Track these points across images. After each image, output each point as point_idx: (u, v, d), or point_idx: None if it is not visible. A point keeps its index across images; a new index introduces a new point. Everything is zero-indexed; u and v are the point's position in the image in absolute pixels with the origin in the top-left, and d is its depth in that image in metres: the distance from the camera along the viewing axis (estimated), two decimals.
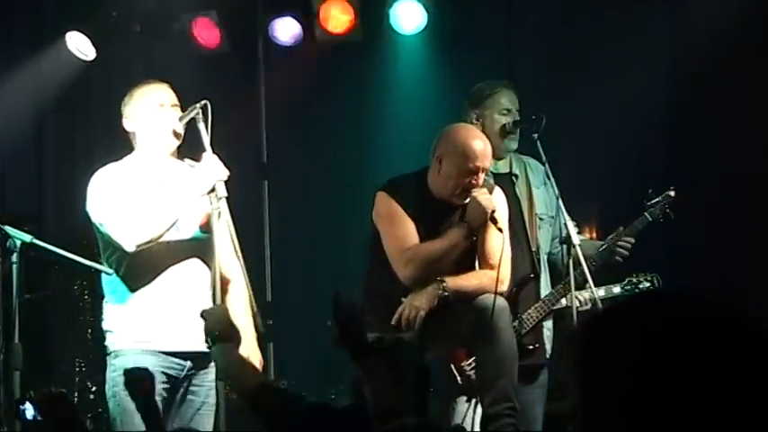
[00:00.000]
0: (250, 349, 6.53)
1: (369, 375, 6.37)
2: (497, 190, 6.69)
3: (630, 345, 1.87)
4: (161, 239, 6.30)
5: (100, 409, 8.23)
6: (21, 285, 6.70)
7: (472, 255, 6.63)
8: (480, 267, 6.60)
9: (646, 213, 7.06)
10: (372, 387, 6.20)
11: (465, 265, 6.60)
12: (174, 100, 6.51)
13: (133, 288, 6.40)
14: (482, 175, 6.48)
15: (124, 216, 6.22)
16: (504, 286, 6.57)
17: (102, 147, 7.69)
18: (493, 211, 6.43)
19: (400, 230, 6.55)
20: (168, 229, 6.22)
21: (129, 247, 6.20)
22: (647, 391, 1.83)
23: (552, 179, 6.82)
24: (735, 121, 8.59)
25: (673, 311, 1.89)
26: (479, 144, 6.51)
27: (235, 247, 6.39)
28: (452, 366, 6.68)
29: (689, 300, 1.91)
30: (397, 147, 7.41)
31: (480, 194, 6.44)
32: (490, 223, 6.51)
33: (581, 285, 6.69)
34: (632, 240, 6.99)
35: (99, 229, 6.35)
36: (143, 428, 6.09)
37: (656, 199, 7.06)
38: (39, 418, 5.95)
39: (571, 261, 6.71)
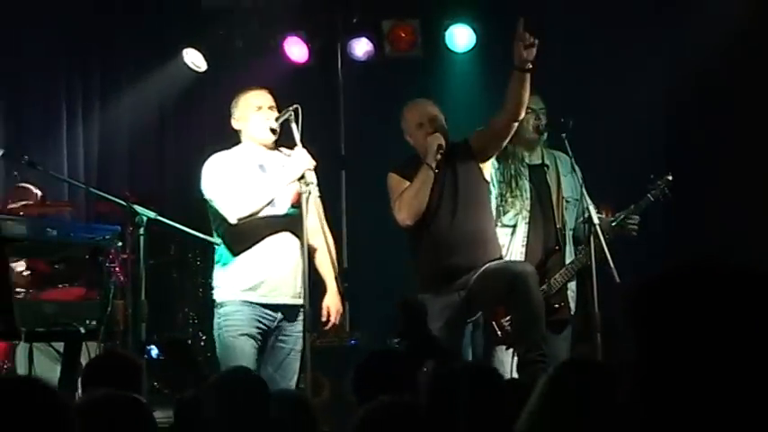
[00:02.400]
0: (333, 302, 6.60)
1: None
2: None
3: (684, 306, 1.79)
4: (259, 214, 6.36)
5: (209, 354, 8.30)
6: (146, 253, 6.77)
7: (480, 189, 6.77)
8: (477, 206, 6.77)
9: (649, 195, 7.11)
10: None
11: (476, 198, 6.76)
12: (272, 102, 6.57)
13: (236, 253, 6.45)
14: (430, 124, 6.70)
15: (229, 195, 6.31)
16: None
17: (211, 139, 7.75)
18: (440, 145, 6.60)
19: (395, 193, 6.71)
20: (264, 207, 6.29)
21: (233, 219, 6.28)
22: (698, 348, 1.76)
23: (577, 169, 6.86)
24: (726, 117, 8.57)
25: (719, 277, 1.82)
26: (413, 106, 6.88)
27: (321, 223, 6.46)
28: (493, 323, 6.73)
29: (730, 268, 1.83)
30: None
31: (431, 137, 6.64)
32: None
33: (599, 255, 6.72)
34: (638, 218, 7.05)
35: (210, 204, 6.43)
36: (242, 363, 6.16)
37: (657, 182, 7.12)
38: (161, 357, 6.00)
39: (591, 236, 6.74)
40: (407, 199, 6.62)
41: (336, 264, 6.62)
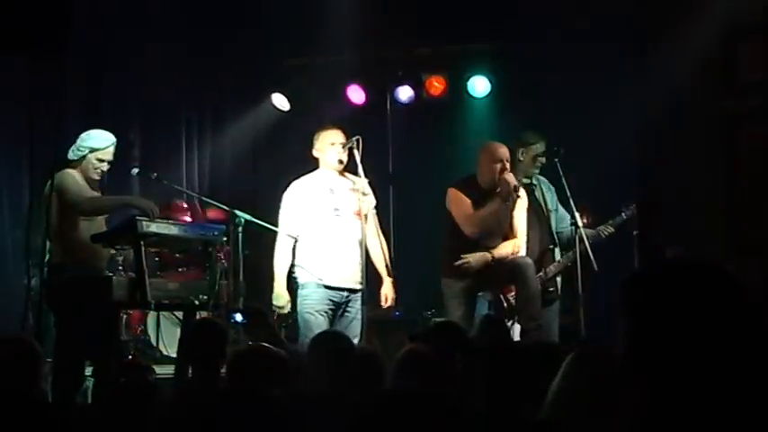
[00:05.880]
0: (389, 290, 6.69)
1: None
2: (522, 190, 6.85)
3: (666, 294, 1.74)
4: (337, 223, 6.45)
5: (290, 321, 8.33)
6: (244, 245, 6.86)
7: (507, 223, 6.78)
8: (508, 236, 6.76)
9: (622, 214, 7.19)
10: None
11: (503, 229, 6.75)
12: (343, 139, 6.68)
13: (312, 248, 6.54)
14: (507, 164, 6.68)
15: (281, 232, 6.63)
16: (523, 251, 6.74)
17: (291, 162, 7.80)
18: (516, 186, 6.61)
19: (464, 207, 6.74)
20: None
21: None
22: (678, 326, 1.71)
23: (552, 187, 6.94)
24: (685, 147, 8.47)
25: (697, 274, 1.76)
26: (496, 146, 6.80)
27: (376, 226, 6.57)
28: (501, 296, 6.79)
29: (707, 267, 1.78)
30: (470, 164, 7.42)
31: (507, 175, 6.59)
32: (518, 206, 6.64)
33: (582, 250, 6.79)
34: (612, 230, 7.08)
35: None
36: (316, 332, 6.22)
37: (629, 206, 7.25)
38: (243, 322, 6.04)
39: (577, 236, 6.80)
40: (480, 219, 6.68)
41: (388, 260, 6.73)
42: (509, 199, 6.65)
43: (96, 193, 6.37)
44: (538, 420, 2.71)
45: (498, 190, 6.65)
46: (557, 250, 7.17)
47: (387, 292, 6.71)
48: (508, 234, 6.77)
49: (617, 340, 1.83)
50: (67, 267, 6.03)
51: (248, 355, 3.59)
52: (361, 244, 6.48)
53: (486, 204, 6.69)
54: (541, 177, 7.23)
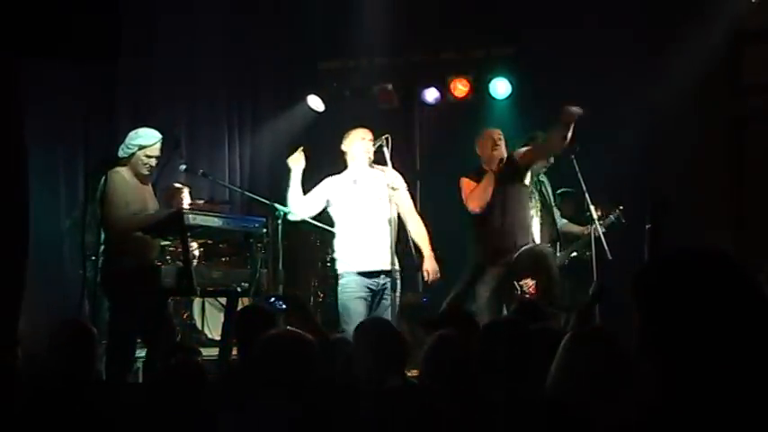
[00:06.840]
0: (431, 264, 6.69)
1: None
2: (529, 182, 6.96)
3: (682, 284, 1.73)
4: (363, 211, 6.50)
5: (325, 307, 8.36)
6: (283, 236, 6.89)
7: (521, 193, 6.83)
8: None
9: (611, 215, 7.35)
10: None
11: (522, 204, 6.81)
12: (370, 136, 6.68)
13: (349, 238, 6.58)
14: (497, 141, 6.83)
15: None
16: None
17: (325, 158, 7.81)
18: (501, 159, 6.75)
19: (468, 189, 6.84)
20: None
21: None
22: (691, 317, 1.70)
23: (583, 182, 6.89)
24: (692, 147, 8.44)
25: (709, 263, 1.76)
26: (488, 131, 6.97)
27: (413, 211, 6.68)
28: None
29: (718, 255, 1.78)
30: None
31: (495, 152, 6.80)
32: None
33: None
34: (603, 230, 7.07)
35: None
36: (356, 320, 6.25)
37: (616, 210, 7.39)
38: (282, 306, 6.07)
39: (593, 228, 6.83)
40: (477, 194, 6.73)
41: (428, 236, 6.74)
42: (497, 169, 6.72)
43: (147, 187, 6.42)
44: (546, 399, 2.71)
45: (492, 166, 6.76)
46: (557, 244, 7.24)
47: (428, 267, 6.71)
48: (519, 202, 6.81)
49: (623, 327, 1.82)
50: (120, 258, 6.09)
51: (275, 339, 3.60)
52: (390, 223, 6.50)
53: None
54: (541, 174, 7.28)
